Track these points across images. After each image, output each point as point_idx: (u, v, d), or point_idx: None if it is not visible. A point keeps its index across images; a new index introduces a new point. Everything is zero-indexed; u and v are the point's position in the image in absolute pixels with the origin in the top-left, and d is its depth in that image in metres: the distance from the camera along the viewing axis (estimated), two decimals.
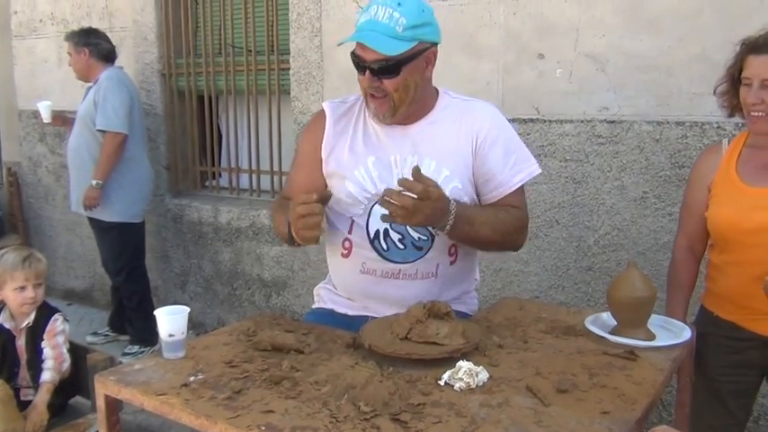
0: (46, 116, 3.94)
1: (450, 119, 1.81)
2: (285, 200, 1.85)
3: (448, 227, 1.63)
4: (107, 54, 3.85)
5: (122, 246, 3.84)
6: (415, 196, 1.54)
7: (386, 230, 1.79)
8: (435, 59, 1.76)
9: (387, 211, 1.60)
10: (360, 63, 1.69)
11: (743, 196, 1.82)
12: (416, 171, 1.56)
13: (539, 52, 2.91)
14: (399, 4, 1.64)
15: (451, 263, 1.84)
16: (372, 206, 1.79)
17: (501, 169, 1.78)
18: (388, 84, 1.68)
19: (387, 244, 1.80)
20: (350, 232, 1.84)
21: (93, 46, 3.80)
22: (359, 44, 1.67)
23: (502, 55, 3.00)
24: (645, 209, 2.74)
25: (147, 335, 3.86)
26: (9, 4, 5.02)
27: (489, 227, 1.72)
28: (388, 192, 1.57)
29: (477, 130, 1.78)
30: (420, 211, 1.56)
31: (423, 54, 1.70)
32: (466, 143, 1.79)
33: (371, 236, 1.80)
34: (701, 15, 2.56)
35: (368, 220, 1.80)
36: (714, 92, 1.95)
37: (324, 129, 1.85)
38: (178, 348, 1.53)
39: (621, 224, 2.80)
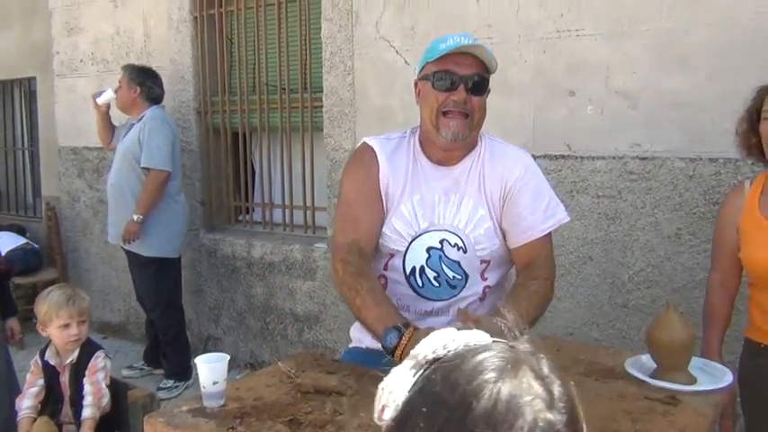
0: (101, 100, 4.02)
1: (489, 160, 1.83)
2: (368, 281, 1.72)
3: None
4: (156, 98, 3.99)
5: (160, 281, 3.91)
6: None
7: (422, 267, 1.81)
8: None
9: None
10: (453, 78, 1.69)
11: None
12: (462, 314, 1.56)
13: (569, 89, 2.94)
14: (475, 39, 1.72)
15: (481, 300, 1.85)
16: (411, 242, 1.81)
17: (530, 213, 1.78)
18: (476, 101, 1.72)
19: (422, 281, 1.81)
20: (385, 269, 1.86)
21: (147, 88, 3.94)
22: (452, 59, 1.68)
23: (533, 92, 3.04)
24: (679, 245, 2.73)
25: (181, 369, 3.91)
26: (52, 45, 5.21)
27: (530, 317, 1.66)
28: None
29: (507, 175, 1.79)
30: None
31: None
32: (496, 187, 1.80)
33: (407, 272, 1.82)
34: (733, 52, 2.57)
35: (405, 255, 1.82)
36: (736, 132, 1.98)
37: (377, 164, 1.82)
38: (219, 397, 1.54)
39: (656, 261, 2.79)
